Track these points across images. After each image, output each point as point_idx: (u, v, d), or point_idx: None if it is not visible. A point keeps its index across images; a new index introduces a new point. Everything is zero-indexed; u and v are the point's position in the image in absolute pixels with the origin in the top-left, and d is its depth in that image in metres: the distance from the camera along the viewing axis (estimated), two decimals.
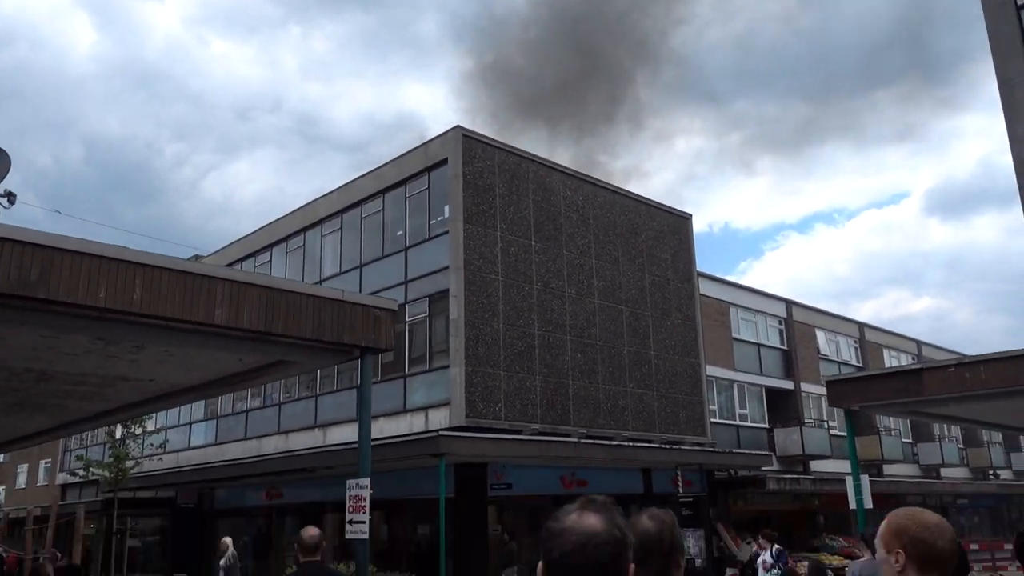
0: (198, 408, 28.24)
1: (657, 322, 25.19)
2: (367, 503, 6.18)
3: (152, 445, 19.41)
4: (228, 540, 17.89)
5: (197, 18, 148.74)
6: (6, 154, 5.66)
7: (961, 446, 38.48)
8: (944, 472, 37.31)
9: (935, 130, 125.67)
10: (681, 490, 20.69)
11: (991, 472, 39.88)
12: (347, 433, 22.11)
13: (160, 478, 26.00)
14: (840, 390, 12.24)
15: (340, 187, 24.60)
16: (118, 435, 18.31)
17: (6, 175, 5.70)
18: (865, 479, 12.71)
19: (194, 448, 27.77)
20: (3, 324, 5.28)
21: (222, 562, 16.82)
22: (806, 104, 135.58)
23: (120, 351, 6.22)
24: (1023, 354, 9.85)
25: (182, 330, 5.60)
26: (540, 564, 1.63)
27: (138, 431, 18.16)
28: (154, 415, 18.18)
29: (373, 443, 20.21)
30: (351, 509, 6.23)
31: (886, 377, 11.37)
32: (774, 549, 12.10)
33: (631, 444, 21.99)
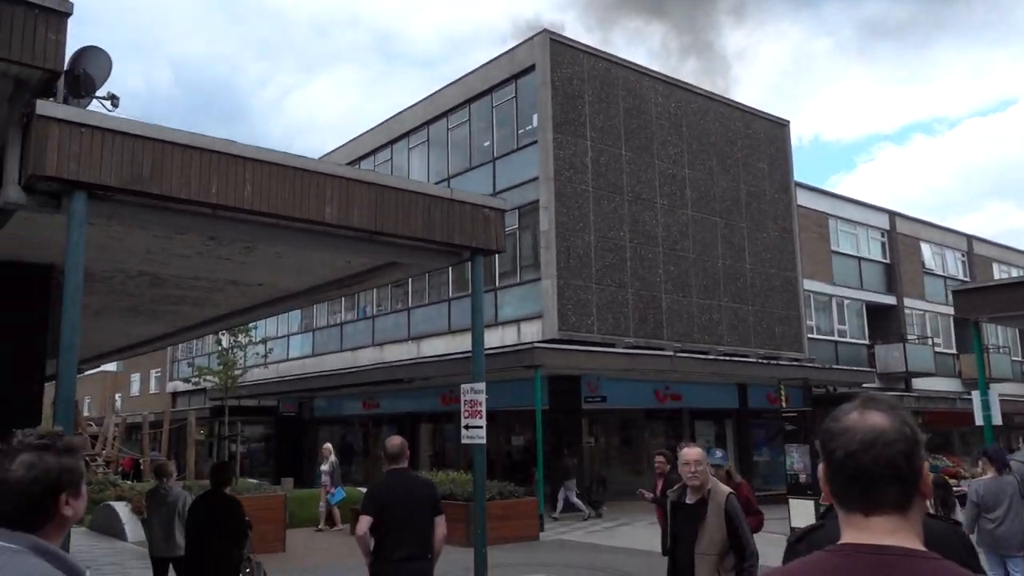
0: (295, 321, 29.09)
1: (752, 234, 24.34)
2: (483, 408, 6.07)
3: (257, 354, 20.04)
4: (329, 446, 18.50)
5: None
6: (107, 54, 5.50)
7: None
8: None
9: None
10: (785, 404, 20.24)
11: None
12: (438, 346, 22.38)
13: (263, 387, 27.06)
14: (969, 300, 11.46)
15: (425, 98, 24.25)
16: (225, 344, 18.94)
17: (108, 76, 5.53)
18: (994, 394, 12.00)
19: (293, 360, 28.69)
20: (119, 223, 5.23)
21: (325, 467, 17.42)
22: (908, 4, 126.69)
23: (231, 252, 6.17)
24: None
25: (292, 228, 5.48)
26: (821, 467, 1.39)
27: (245, 340, 18.73)
28: (256, 326, 18.70)
29: (467, 355, 20.37)
30: (467, 414, 6.13)
31: (1019, 286, 10.55)
32: None
33: (728, 359, 21.57)
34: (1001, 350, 32.10)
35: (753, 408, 24.34)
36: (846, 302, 28.20)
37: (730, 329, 23.06)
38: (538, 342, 18.33)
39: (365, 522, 4.84)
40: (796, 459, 12.49)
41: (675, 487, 5.31)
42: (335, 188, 5.46)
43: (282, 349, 28.83)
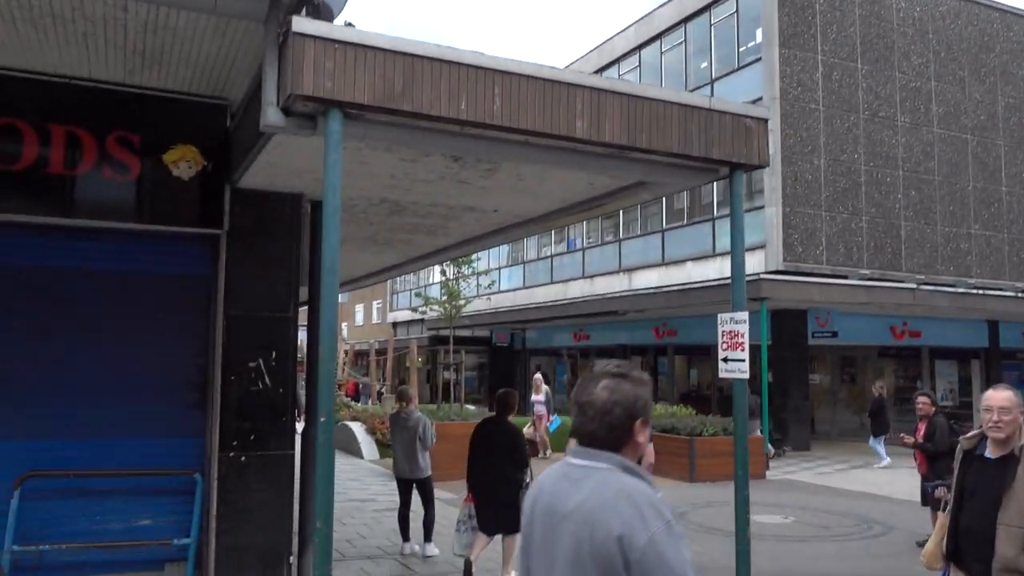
0: (504, 254, 29.55)
1: (1011, 153, 21.45)
2: (746, 339, 5.51)
3: (481, 285, 20.47)
4: (540, 377, 18.67)
5: None
6: None
7: None
8: None
9: None
10: None
11: None
12: (651, 278, 21.81)
13: (478, 318, 27.85)
14: None
15: (637, 20, 23.20)
16: (450, 275, 19.50)
17: (344, 5, 5.33)
18: None
19: (504, 292, 29.25)
20: (369, 146, 5.11)
21: (540, 396, 17.59)
22: None
23: (472, 175, 5.94)
24: None
25: (539, 146, 5.12)
26: None
27: (468, 271, 19.16)
28: (478, 258, 19.05)
29: (685, 287, 19.68)
30: (725, 346, 5.60)
31: None
32: None
33: (979, 292, 19.33)
34: None
35: (1005, 348, 21.83)
36: None
37: (980, 259, 20.63)
38: (763, 273, 17.24)
39: None
40: None
41: (971, 433, 4.45)
42: (586, 100, 5.01)
43: (494, 281, 29.46)
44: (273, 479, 6.11)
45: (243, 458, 6.03)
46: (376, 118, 4.63)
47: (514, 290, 28.92)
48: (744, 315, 5.58)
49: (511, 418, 7.52)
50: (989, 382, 22.38)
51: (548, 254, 27.46)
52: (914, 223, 19.69)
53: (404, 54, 4.58)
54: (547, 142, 5.12)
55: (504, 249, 29.04)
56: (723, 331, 5.68)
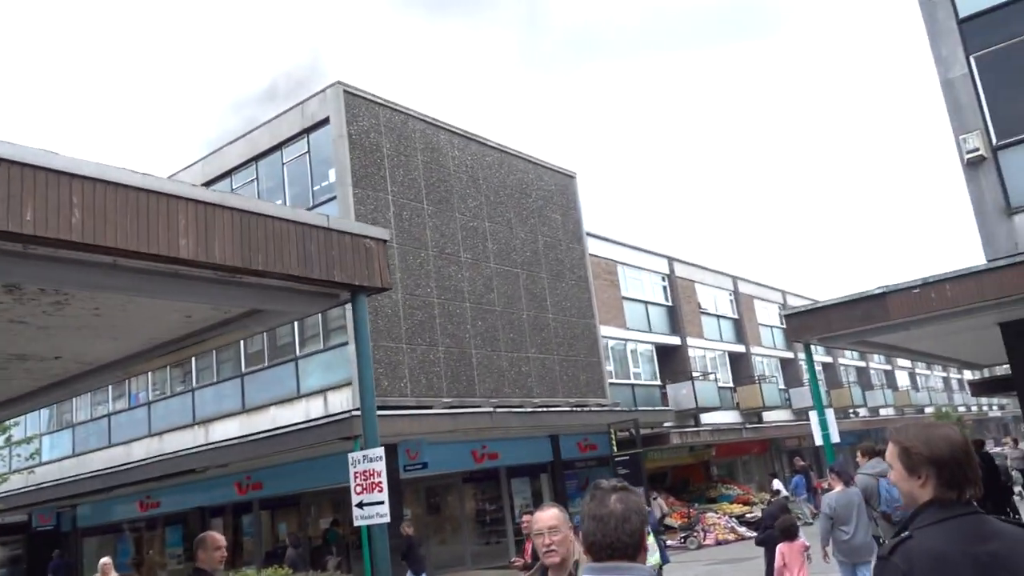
0: (45, 417, 25.06)
1: (552, 283, 24.53)
2: (384, 478, 4.89)
3: (20, 456, 16.66)
4: (107, 560, 15.68)
5: None
6: None
7: (826, 388, 40.53)
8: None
9: None
10: (615, 449, 20.03)
11: (851, 411, 42.28)
12: (231, 428, 20.14)
13: (14, 499, 22.83)
14: (801, 323, 11.75)
15: (205, 157, 22.24)
16: None
17: None
18: (831, 413, 12.42)
19: (47, 463, 24.62)
20: None
21: None
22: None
23: (32, 311, 4.59)
24: (984, 269, 9.73)
25: (131, 269, 4.10)
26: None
27: (0, 442, 15.37)
28: (17, 423, 15.54)
29: (270, 434, 18.34)
30: (360, 489, 4.93)
31: (848, 305, 10.99)
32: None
33: (544, 410, 21.25)
34: (770, 380, 34.82)
35: (567, 459, 24.19)
36: (640, 347, 29.22)
37: (539, 380, 22.86)
38: (355, 410, 16.86)
39: None
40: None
41: (534, 568, 4.01)
42: (191, 215, 4.17)
43: (37, 451, 24.69)
44: None
45: None
46: None
47: (61, 459, 24.52)
48: (379, 451, 5.03)
49: None
50: (557, 493, 24.58)
51: (105, 412, 23.94)
52: (483, 351, 21.17)
53: None
54: (142, 264, 4.12)
55: (45, 410, 24.60)
56: (356, 472, 5.03)
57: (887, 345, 14.21)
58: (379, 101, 20.29)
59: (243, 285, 4.67)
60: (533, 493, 24.16)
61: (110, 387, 22.22)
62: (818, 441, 12.57)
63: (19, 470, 18.00)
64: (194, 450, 20.23)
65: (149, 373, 21.54)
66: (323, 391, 18.78)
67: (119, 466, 21.96)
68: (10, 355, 5.53)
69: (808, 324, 11.46)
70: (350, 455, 5.04)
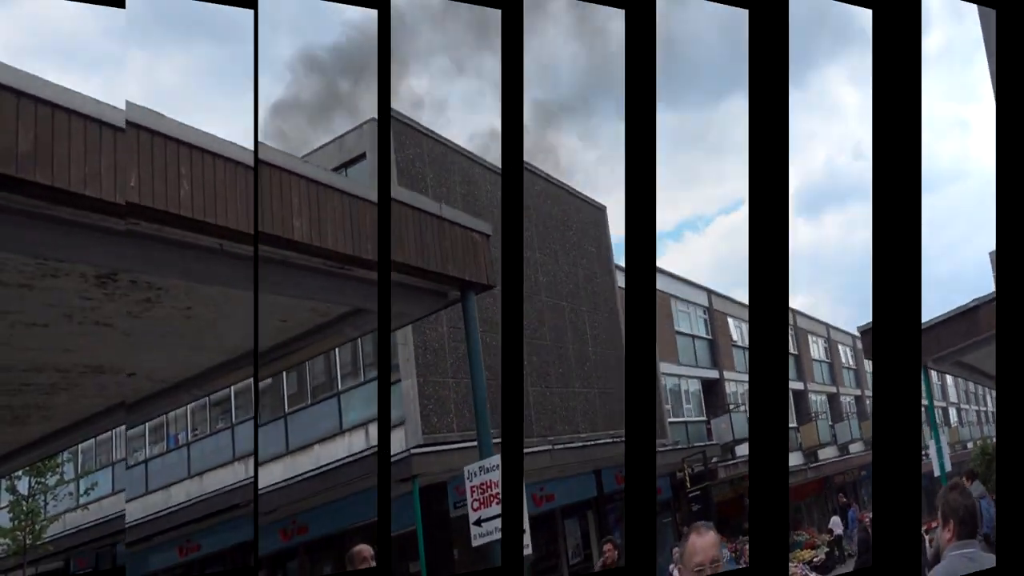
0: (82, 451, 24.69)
1: (591, 316, 24.03)
2: (499, 489, 4.42)
3: (70, 495, 16.10)
4: None
5: None
6: None
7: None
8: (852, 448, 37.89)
9: None
10: (689, 485, 19.17)
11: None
12: (275, 472, 19.65)
13: (64, 540, 22.35)
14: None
15: None
16: (23, 489, 14.95)
17: None
18: (945, 442, 11.63)
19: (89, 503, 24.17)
20: None
21: None
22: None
23: (119, 309, 4.17)
24: None
25: (237, 255, 3.68)
26: None
27: (53, 480, 14.76)
28: (69, 457, 15.07)
29: (324, 469, 17.92)
30: (477, 504, 4.46)
31: (952, 321, 10.18)
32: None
33: (591, 443, 20.62)
34: (820, 416, 33.82)
35: (609, 492, 23.44)
36: (691, 383, 28.52)
37: (583, 415, 22.23)
38: (414, 449, 16.30)
39: None
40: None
41: None
42: (304, 194, 3.76)
43: (96, 483, 24.31)
44: None
45: None
46: None
47: (100, 499, 24.09)
48: (495, 460, 4.56)
49: None
50: (601, 529, 23.73)
51: (143, 458, 23.53)
52: (538, 387, 20.61)
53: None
54: (249, 250, 3.69)
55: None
56: (472, 486, 4.54)
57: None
58: (423, 131, 20.11)
59: (351, 279, 4.24)
60: (582, 533, 23.42)
61: (147, 431, 21.86)
62: (936, 472, 11.83)
63: (79, 506, 17.50)
64: (235, 485, 19.76)
65: (188, 414, 21.18)
66: (364, 424, 18.30)
67: (157, 512, 21.50)
68: (87, 366, 5.11)
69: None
70: (466, 468, 4.64)
